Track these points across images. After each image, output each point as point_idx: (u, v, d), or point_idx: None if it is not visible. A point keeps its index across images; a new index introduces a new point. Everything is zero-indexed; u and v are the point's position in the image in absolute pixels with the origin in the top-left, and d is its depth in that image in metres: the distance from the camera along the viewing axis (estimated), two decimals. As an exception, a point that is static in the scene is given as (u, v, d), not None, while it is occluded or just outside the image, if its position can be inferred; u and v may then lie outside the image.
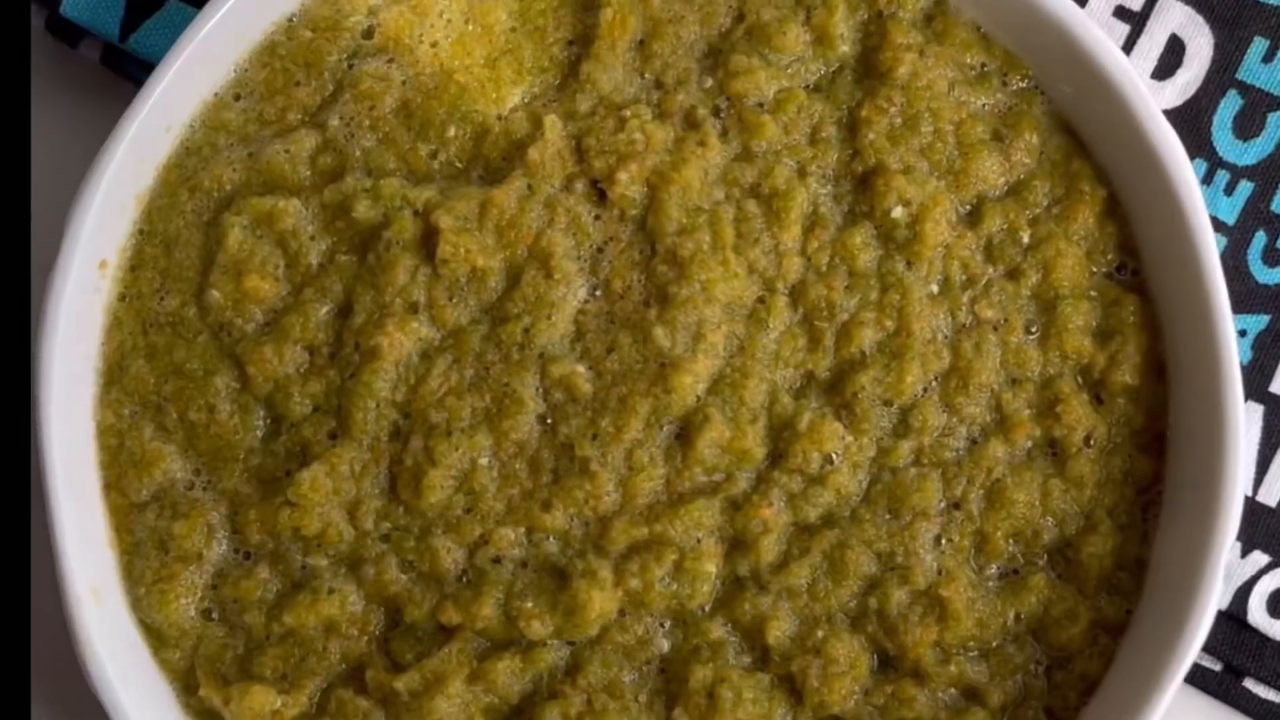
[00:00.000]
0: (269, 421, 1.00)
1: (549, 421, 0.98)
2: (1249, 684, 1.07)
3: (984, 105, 1.01)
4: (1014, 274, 0.99)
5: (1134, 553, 0.99)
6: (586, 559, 0.97)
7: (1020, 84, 1.01)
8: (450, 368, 0.98)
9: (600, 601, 0.96)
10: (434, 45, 1.01)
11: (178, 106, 1.00)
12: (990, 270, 1.00)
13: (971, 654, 0.98)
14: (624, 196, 0.98)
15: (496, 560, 0.97)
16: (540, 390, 0.98)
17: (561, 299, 0.97)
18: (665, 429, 0.97)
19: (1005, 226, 0.99)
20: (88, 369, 1.00)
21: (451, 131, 1.00)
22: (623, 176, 0.98)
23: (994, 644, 0.98)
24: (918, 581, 0.97)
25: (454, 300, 0.98)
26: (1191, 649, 0.93)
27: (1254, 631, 1.06)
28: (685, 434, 0.97)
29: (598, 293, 0.98)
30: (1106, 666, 0.98)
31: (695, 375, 0.97)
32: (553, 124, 0.99)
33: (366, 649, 0.98)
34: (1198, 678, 1.07)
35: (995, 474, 0.98)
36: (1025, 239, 1.00)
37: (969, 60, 1.01)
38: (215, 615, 1.00)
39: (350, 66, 1.01)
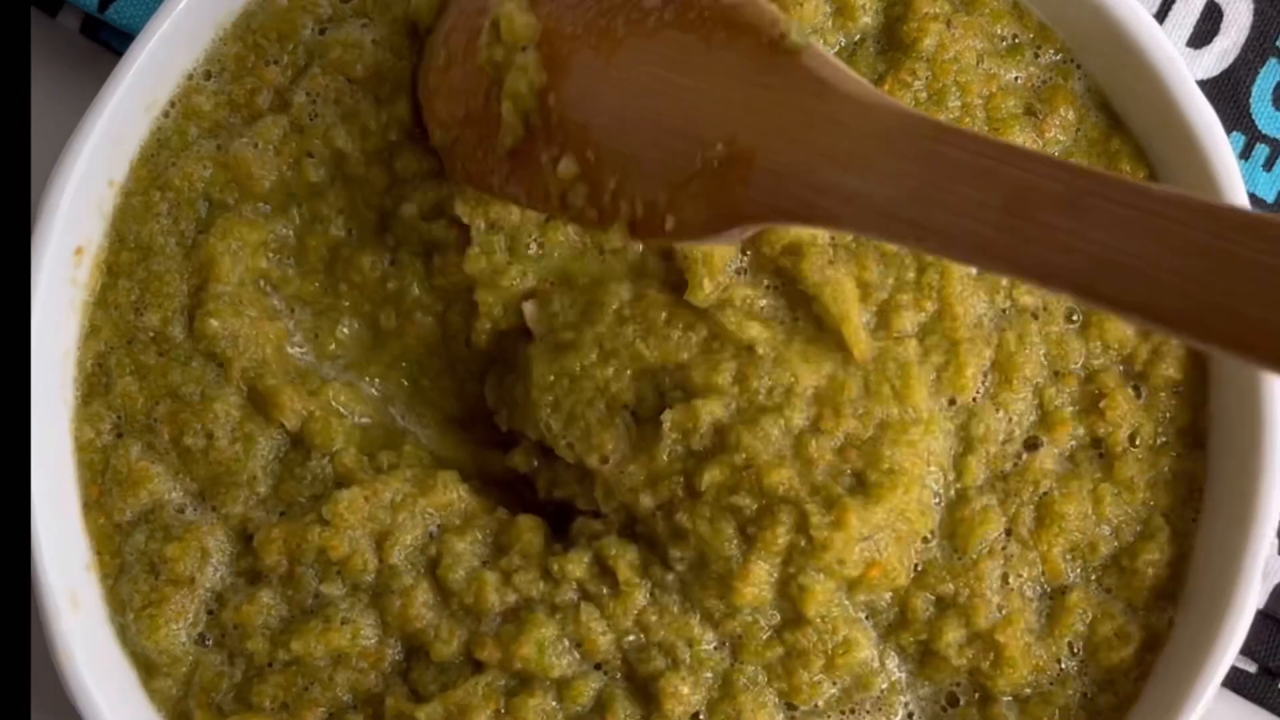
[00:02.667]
0: (286, 450, 0.96)
1: None
2: (1287, 685, 1.03)
3: (1016, 78, 0.95)
4: None
5: (1185, 559, 0.94)
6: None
7: (1054, 57, 0.96)
8: None
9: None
10: None
11: (157, 83, 0.96)
12: None
13: (1006, 703, 0.94)
14: None
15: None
16: None
17: None
18: None
19: None
20: (66, 368, 0.96)
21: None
22: None
23: (1045, 686, 0.94)
24: (978, 624, 0.93)
25: None
26: (1228, 654, 0.90)
27: (1292, 631, 1.02)
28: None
29: None
30: (1145, 680, 0.93)
31: None
32: None
33: (377, 682, 0.94)
34: (1232, 679, 1.03)
35: (1043, 487, 0.93)
36: None
37: (999, 30, 0.95)
38: (210, 641, 0.95)
39: (323, 33, 0.97)
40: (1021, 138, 0.94)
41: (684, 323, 0.91)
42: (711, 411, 0.89)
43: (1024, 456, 0.93)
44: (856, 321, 0.90)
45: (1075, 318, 0.94)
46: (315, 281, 0.98)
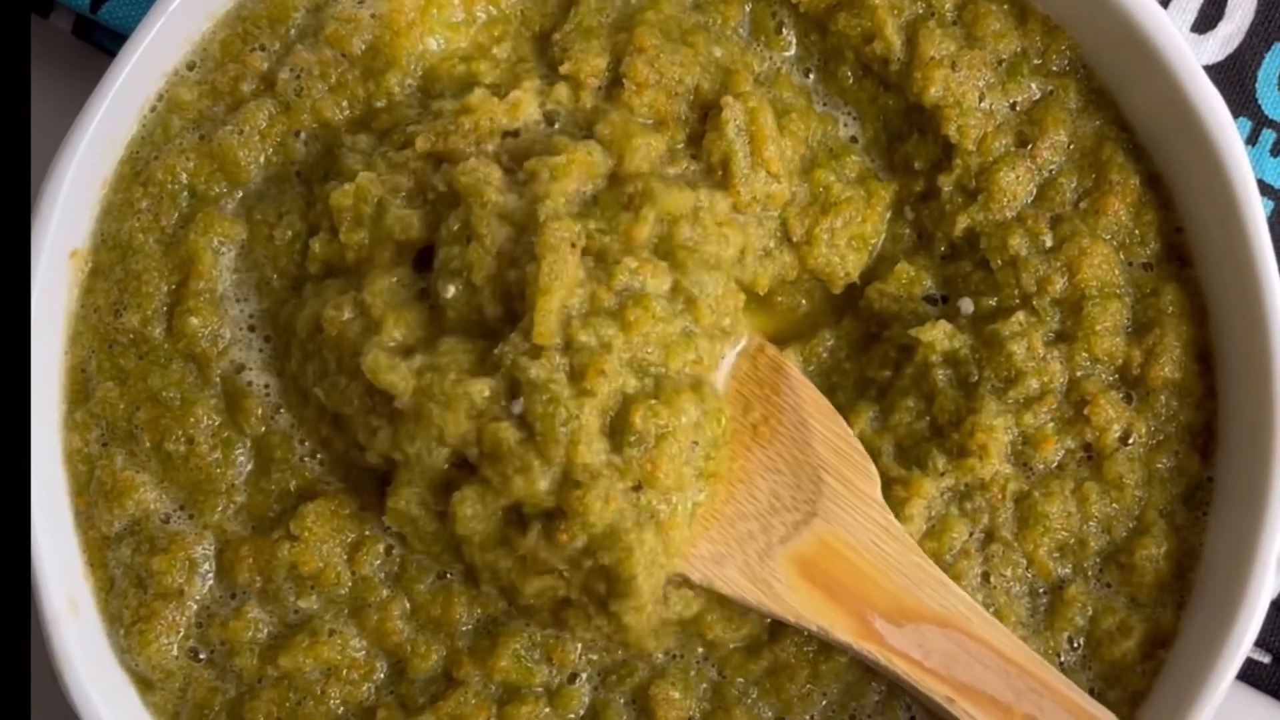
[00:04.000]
0: (256, 456, 0.95)
1: None
2: (1301, 678, 1.02)
3: (1014, 105, 0.95)
4: (1041, 284, 0.94)
5: (1191, 553, 0.93)
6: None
7: (1060, 63, 0.95)
8: None
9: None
10: None
11: (149, 81, 0.95)
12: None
13: None
14: None
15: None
16: None
17: None
18: None
19: (1027, 239, 0.94)
20: (55, 376, 0.95)
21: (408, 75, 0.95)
22: None
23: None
24: None
25: None
26: (1243, 646, 0.89)
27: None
28: None
29: None
30: (1157, 675, 0.92)
31: None
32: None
33: (369, 694, 0.93)
34: (1246, 671, 1.02)
35: (1010, 490, 0.93)
36: (1048, 242, 0.94)
37: (1002, 51, 0.95)
38: (203, 657, 0.94)
39: (317, 12, 0.96)
40: (1015, 174, 0.94)
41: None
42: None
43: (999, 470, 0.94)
44: None
45: (1051, 337, 0.94)
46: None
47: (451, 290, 0.88)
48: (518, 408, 0.85)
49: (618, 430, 0.86)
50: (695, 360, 0.89)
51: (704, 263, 0.90)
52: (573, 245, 0.86)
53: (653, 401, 0.87)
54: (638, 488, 0.87)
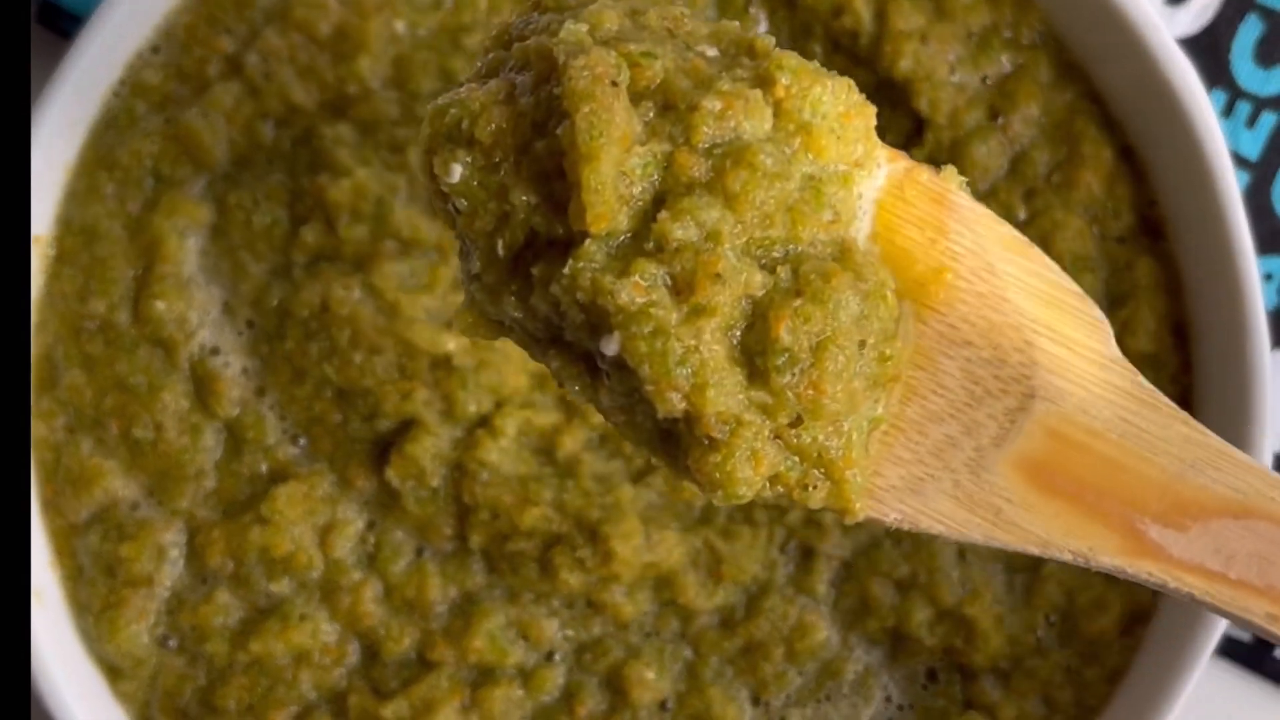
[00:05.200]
0: (227, 440, 0.94)
1: None
2: (1280, 653, 1.01)
3: (985, 79, 0.94)
4: None
5: None
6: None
7: (1031, 36, 0.94)
8: None
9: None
10: None
11: (111, 65, 0.94)
12: None
13: (989, 678, 0.92)
14: None
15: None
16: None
17: None
18: None
19: (1001, 213, 0.93)
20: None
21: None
22: None
23: (1026, 659, 0.93)
24: (944, 600, 0.92)
25: None
26: (1220, 622, 0.88)
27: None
28: None
29: None
30: (1135, 652, 0.92)
31: None
32: None
33: (342, 679, 0.93)
34: (1226, 647, 1.01)
35: None
36: (1022, 216, 0.93)
37: (973, 25, 0.94)
38: (173, 644, 0.93)
39: None
40: (987, 148, 0.93)
41: None
42: None
43: None
44: None
45: None
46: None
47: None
48: (610, 348, 0.61)
49: (754, 351, 0.63)
50: (832, 220, 0.64)
51: (804, 65, 0.64)
52: (613, 84, 0.61)
53: (796, 300, 0.62)
54: (796, 422, 0.63)
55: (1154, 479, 0.66)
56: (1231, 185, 0.89)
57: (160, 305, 0.93)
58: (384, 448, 0.93)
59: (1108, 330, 0.68)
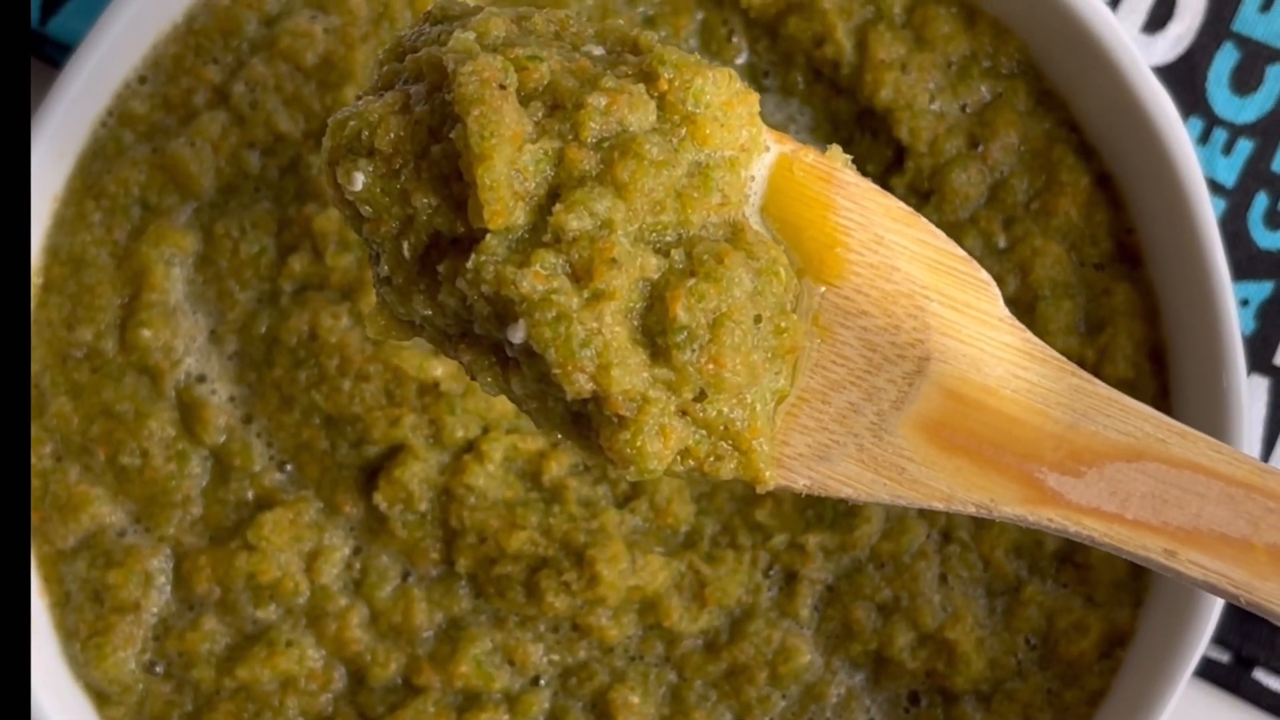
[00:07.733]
0: (214, 467, 0.95)
1: None
2: (1259, 675, 1.02)
3: (964, 107, 0.95)
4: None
5: None
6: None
7: (1010, 65, 0.95)
8: None
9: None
10: None
11: (99, 94, 0.95)
12: None
13: (970, 701, 0.93)
14: None
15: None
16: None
17: None
18: None
19: (981, 240, 0.94)
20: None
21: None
22: None
23: (1008, 683, 0.93)
24: (926, 624, 0.93)
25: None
26: (1199, 644, 0.89)
27: (1264, 620, 1.01)
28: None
29: None
30: (1115, 674, 0.92)
31: None
32: None
33: (328, 704, 0.93)
34: (1205, 669, 1.02)
35: None
36: (1001, 243, 0.94)
37: (952, 54, 0.95)
38: (160, 670, 0.94)
39: (270, 25, 0.95)
40: (967, 175, 0.94)
41: None
42: None
43: None
44: None
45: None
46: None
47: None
48: (517, 335, 0.64)
49: (655, 331, 0.65)
50: (721, 202, 0.67)
51: (685, 59, 0.66)
52: (501, 86, 0.64)
53: (691, 280, 0.65)
54: (700, 397, 0.66)
55: (1048, 430, 0.68)
56: (1208, 212, 0.90)
57: (147, 333, 0.94)
58: (371, 473, 0.93)
59: (995, 291, 0.70)
